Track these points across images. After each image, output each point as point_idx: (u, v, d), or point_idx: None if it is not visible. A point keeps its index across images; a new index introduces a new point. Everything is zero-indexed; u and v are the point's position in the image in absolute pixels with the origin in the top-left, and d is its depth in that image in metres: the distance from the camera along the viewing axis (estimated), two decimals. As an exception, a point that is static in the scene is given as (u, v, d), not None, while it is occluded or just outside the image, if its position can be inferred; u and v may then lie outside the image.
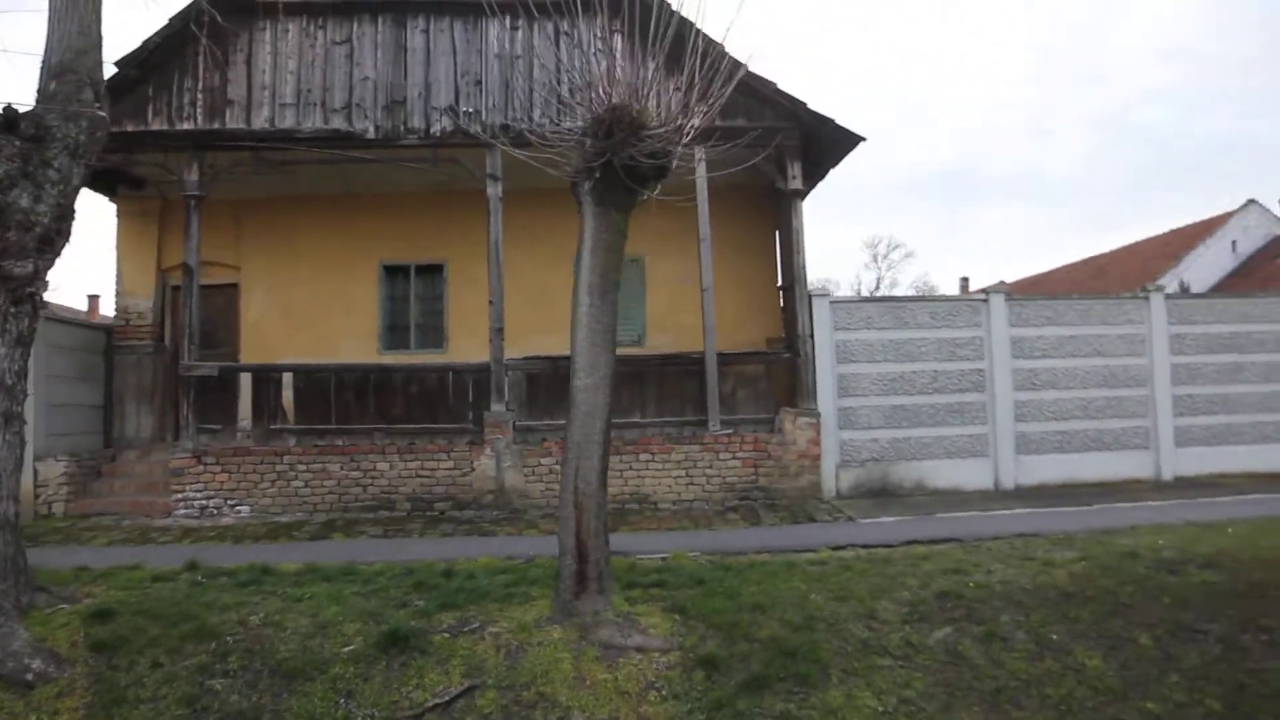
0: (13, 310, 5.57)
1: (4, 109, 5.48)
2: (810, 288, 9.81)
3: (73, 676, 4.98)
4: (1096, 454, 10.02)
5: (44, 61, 5.88)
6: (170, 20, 8.98)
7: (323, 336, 10.54)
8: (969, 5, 78.43)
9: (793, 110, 9.60)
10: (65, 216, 5.77)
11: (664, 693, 4.88)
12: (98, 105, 5.97)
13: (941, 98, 73.41)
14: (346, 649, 5.16)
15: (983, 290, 10.15)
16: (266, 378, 9.34)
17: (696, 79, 5.64)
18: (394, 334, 10.94)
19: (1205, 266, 21.48)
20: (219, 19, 8.57)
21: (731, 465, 9.42)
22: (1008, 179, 70.96)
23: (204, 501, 8.98)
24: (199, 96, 9.18)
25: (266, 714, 4.77)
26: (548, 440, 9.38)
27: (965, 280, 31.51)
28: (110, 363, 10.20)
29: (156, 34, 8.98)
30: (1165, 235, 24.49)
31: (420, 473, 9.22)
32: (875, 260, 45.09)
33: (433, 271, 10.93)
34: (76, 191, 5.85)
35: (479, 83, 9.52)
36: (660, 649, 5.20)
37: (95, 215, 61.67)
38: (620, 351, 10.71)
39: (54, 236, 5.69)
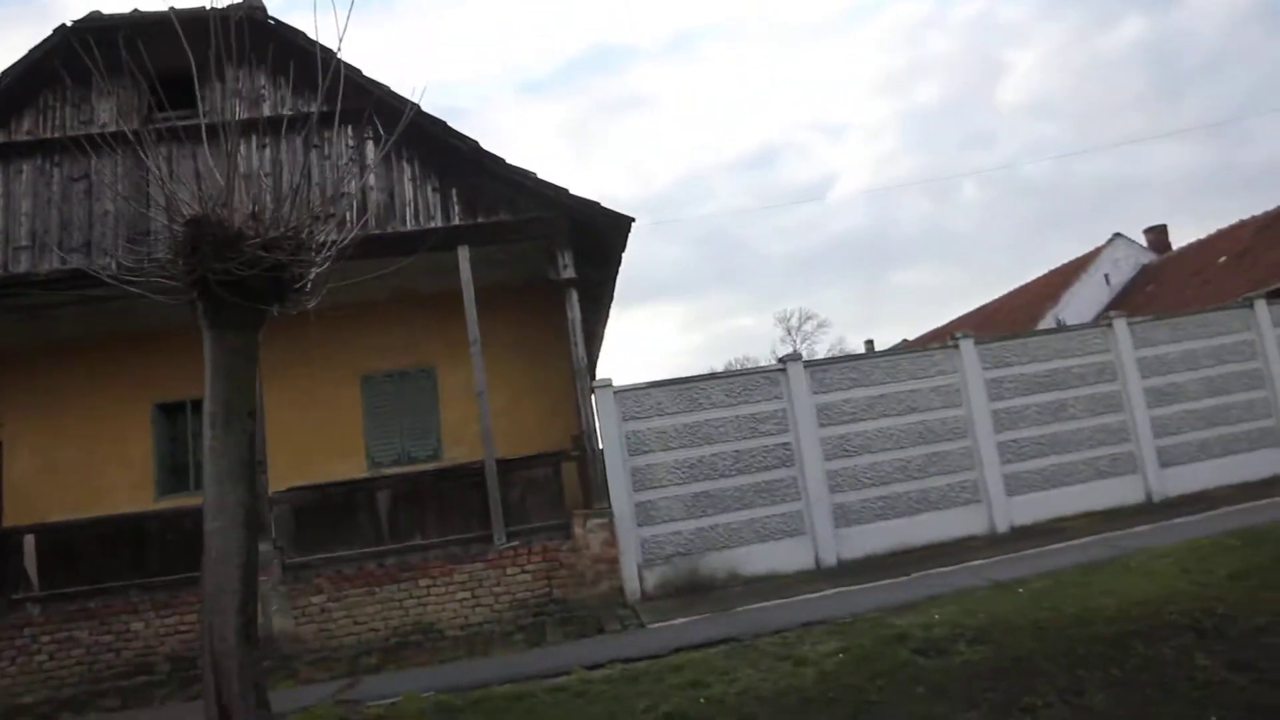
0: None
1: None
2: (597, 380, 9.47)
3: None
4: (925, 515, 9.57)
5: None
6: None
7: (94, 489, 10.04)
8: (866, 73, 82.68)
9: (556, 199, 9.45)
10: None
11: None
12: None
13: (850, 165, 77.27)
14: None
15: (780, 359, 9.84)
16: (4, 543, 8.79)
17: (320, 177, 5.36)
18: (174, 477, 10.45)
19: (1083, 302, 21.80)
20: None
21: (521, 580, 8.87)
22: (914, 240, 74.35)
23: None
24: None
25: None
26: (320, 576, 8.81)
27: (870, 342, 31.55)
28: None
29: None
30: (1046, 276, 25.07)
31: (179, 628, 8.60)
32: (789, 334, 45.56)
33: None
34: None
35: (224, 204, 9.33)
36: None
37: None
38: (405, 469, 10.29)
39: None
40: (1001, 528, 9.60)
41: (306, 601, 8.72)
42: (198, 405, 10.59)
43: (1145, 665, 5.43)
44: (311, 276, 5.51)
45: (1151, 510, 9.65)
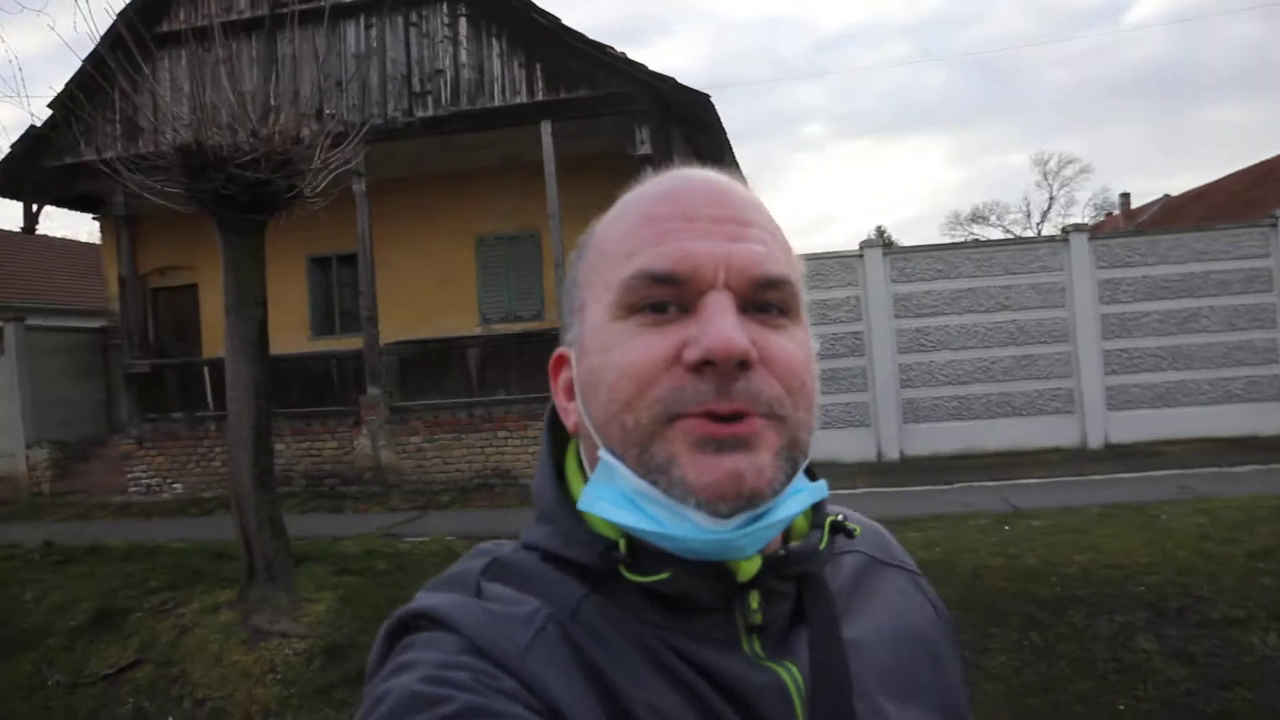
0: None
1: None
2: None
3: None
4: (1005, 421, 9.20)
5: None
6: (83, 63, 10.67)
7: (265, 327, 12.10)
8: None
9: (634, 75, 9.51)
10: None
11: (279, 676, 5.75)
12: None
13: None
14: (71, 623, 6.53)
15: (860, 244, 9.51)
16: (189, 371, 11.06)
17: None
18: (325, 321, 12.29)
19: None
20: (119, 59, 10.11)
21: None
22: (1228, 72, 61.35)
23: (148, 480, 10.93)
24: (117, 127, 10.86)
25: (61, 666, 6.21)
26: (417, 419, 10.29)
27: (1126, 196, 27.68)
28: (107, 359, 12.49)
29: (74, 77, 10.72)
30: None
31: (311, 452, 10.53)
32: (1045, 178, 40.73)
33: (352, 261, 12.10)
34: None
35: (339, 85, 10.38)
36: (300, 635, 6.05)
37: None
38: (510, 326, 11.29)
39: None
40: (1094, 443, 9.01)
41: (406, 440, 10.27)
42: (342, 259, 12.30)
43: (1073, 636, 5.39)
44: (304, 187, 6.30)
45: (1280, 447, 8.58)
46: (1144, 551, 5.92)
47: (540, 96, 9.81)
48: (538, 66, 9.80)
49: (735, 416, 0.61)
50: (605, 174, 10.40)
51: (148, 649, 6.21)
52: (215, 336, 12.41)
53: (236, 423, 6.28)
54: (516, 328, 11.06)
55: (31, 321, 11.63)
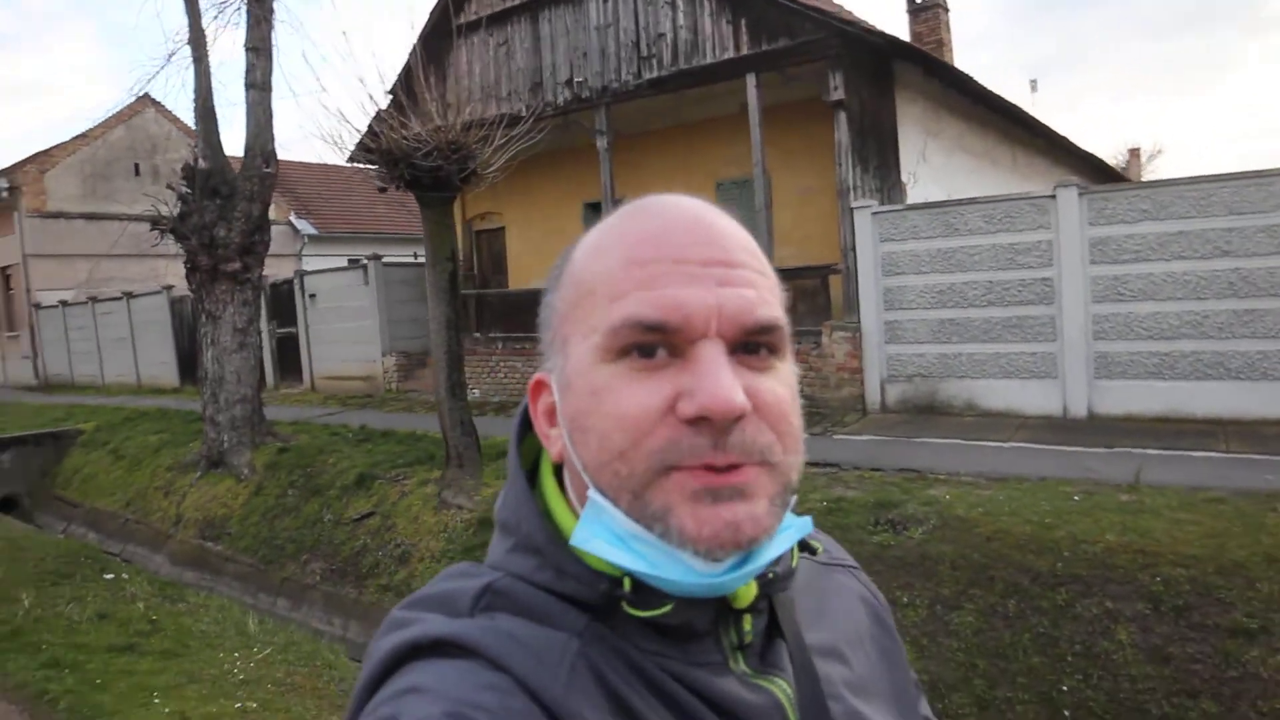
0: (237, 288, 11.00)
1: (208, 180, 10.80)
2: (857, 201, 10.21)
3: (257, 478, 10.45)
4: (1218, 384, 8.43)
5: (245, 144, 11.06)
6: (409, 53, 13.70)
7: (551, 262, 14.58)
8: None
9: (825, 21, 9.96)
10: (252, 234, 10.94)
11: (447, 535, 8.22)
12: (266, 168, 10.96)
13: None
14: (342, 482, 9.59)
15: (1056, 184, 9.06)
16: (482, 300, 13.92)
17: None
18: (594, 258, 14.41)
19: None
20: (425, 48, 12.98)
21: None
22: None
23: None
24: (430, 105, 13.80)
25: (299, 508, 9.45)
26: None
27: None
28: (443, 287, 15.95)
29: (403, 66, 13.80)
30: None
31: (567, 371, 12.83)
32: None
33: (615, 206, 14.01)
34: (258, 220, 10.97)
35: (585, 55, 12.15)
36: (470, 509, 8.44)
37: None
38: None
39: (250, 247, 10.94)
40: (1328, 411, 7.91)
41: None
42: (615, 205, 14.23)
43: (1050, 612, 5.42)
44: (475, 168, 8.22)
45: None
46: (1197, 544, 5.50)
47: (745, 51, 10.67)
48: (742, 22, 10.64)
49: (730, 467, 0.63)
50: (806, 120, 11.02)
51: (379, 505, 8.88)
52: (518, 270, 15.26)
53: (436, 349, 8.58)
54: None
55: (386, 258, 15.39)
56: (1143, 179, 27.38)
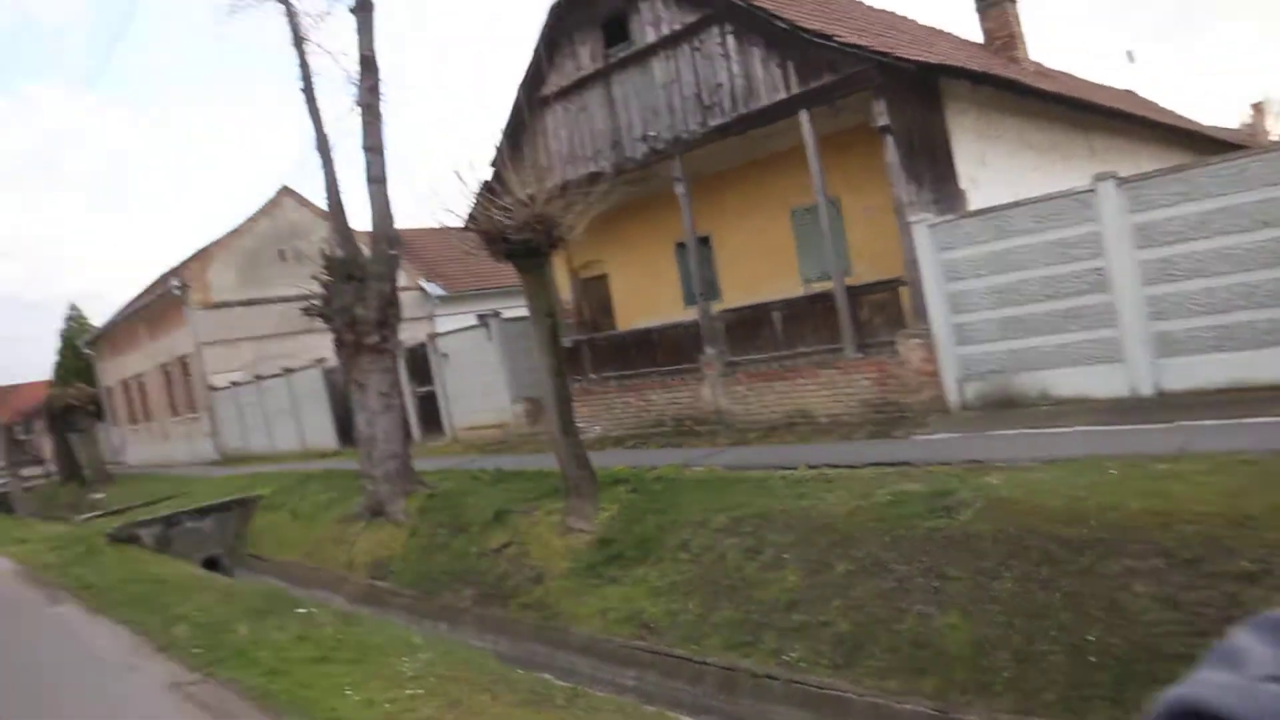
0: (378, 358, 13.01)
1: (344, 267, 12.84)
2: (914, 216, 11.18)
3: (412, 522, 12.34)
4: (1273, 350, 8.93)
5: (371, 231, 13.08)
6: (508, 119, 15.55)
7: (652, 302, 16.09)
8: None
9: (862, 54, 11.07)
10: (385, 309, 12.92)
11: (571, 554, 9.77)
12: (391, 250, 12.94)
13: None
14: (483, 518, 11.30)
15: (1094, 177, 9.79)
16: (594, 343, 15.50)
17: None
18: (690, 293, 15.74)
19: None
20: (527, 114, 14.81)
21: (864, 384, 11.84)
22: None
23: (579, 424, 15.70)
24: (526, 166, 15.62)
25: (449, 544, 11.20)
26: (740, 371, 13.27)
27: None
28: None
29: (503, 132, 15.68)
30: None
31: (674, 400, 14.21)
32: None
33: (705, 243, 15.33)
34: (389, 296, 12.94)
35: (655, 112, 13.62)
36: (588, 531, 9.98)
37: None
38: (822, 285, 13.52)
39: (385, 320, 12.93)
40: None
41: (733, 389, 13.34)
42: (699, 241, 15.57)
43: (1077, 575, 6.07)
44: (560, 234, 9.74)
45: None
46: (1212, 502, 6.09)
47: (795, 90, 11.88)
48: (789, 64, 11.88)
49: None
50: (862, 144, 12.08)
51: (515, 535, 10.49)
52: (624, 310, 16.82)
53: (546, 395, 10.18)
54: (817, 287, 13.28)
55: (506, 312, 17.27)
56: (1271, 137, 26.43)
